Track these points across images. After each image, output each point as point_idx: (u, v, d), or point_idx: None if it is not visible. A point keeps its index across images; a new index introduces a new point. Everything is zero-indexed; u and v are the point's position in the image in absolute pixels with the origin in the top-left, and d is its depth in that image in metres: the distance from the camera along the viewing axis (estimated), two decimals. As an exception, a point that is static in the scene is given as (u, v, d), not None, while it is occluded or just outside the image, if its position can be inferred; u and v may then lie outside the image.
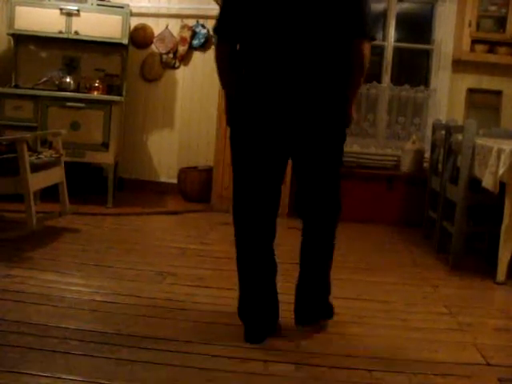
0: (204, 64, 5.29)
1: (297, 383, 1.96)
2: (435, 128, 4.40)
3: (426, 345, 2.34)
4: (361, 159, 5.22)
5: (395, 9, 5.22)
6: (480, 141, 3.55)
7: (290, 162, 2.32)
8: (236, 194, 2.31)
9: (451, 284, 3.25)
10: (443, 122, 4.43)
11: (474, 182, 3.46)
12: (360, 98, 5.22)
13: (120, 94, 4.87)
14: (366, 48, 2.15)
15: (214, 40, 5.21)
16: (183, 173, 5.14)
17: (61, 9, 4.69)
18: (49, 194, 4.19)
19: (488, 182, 3.20)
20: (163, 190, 5.38)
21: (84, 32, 4.74)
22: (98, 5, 4.76)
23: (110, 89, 4.87)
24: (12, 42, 4.97)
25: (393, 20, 5.22)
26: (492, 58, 4.95)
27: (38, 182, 3.49)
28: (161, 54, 5.27)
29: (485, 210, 3.71)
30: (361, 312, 2.66)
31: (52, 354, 2.01)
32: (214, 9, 5.00)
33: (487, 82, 5.15)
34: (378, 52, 5.41)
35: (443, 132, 4.05)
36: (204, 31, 5.20)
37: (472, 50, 4.90)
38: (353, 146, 5.31)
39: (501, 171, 3.12)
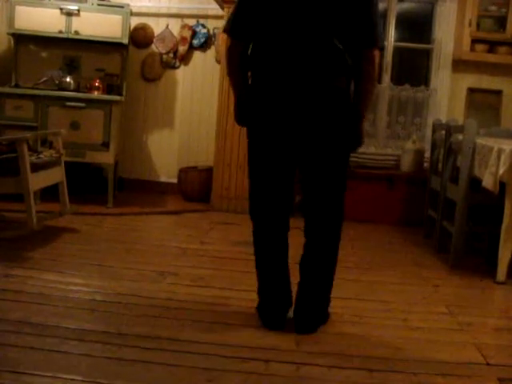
0: (204, 64, 5.29)
1: (297, 383, 1.96)
2: (435, 128, 4.40)
3: (426, 344, 2.34)
4: (361, 159, 5.21)
5: (395, 9, 5.21)
6: (480, 140, 3.55)
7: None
8: (253, 193, 2.40)
9: (451, 284, 3.25)
10: (443, 121, 4.43)
11: (474, 182, 3.47)
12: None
13: (120, 94, 4.87)
14: (376, 57, 2.21)
15: (213, 41, 5.22)
16: (183, 173, 5.15)
17: (61, 8, 4.70)
18: (49, 193, 4.19)
19: (488, 181, 3.20)
20: (163, 190, 5.38)
21: (84, 32, 4.75)
22: (98, 4, 4.77)
23: (110, 89, 4.87)
24: (12, 42, 4.97)
25: (393, 20, 5.21)
26: (492, 58, 4.95)
27: (38, 181, 3.49)
28: (161, 54, 5.27)
29: (485, 210, 3.71)
30: (361, 312, 2.66)
31: (52, 354, 2.01)
32: (214, 8, 5.01)
33: (487, 82, 5.15)
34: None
35: (443, 132, 4.04)
36: (204, 31, 5.20)
37: (472, 49, 4.89)
38: (353, 146, 5.31)
39: (501, 171, 3.12)
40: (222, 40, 4.83)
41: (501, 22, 4.91)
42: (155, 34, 5.24)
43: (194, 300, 2.65)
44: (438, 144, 4.25)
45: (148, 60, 5.28)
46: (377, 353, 2.22)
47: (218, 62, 5.04)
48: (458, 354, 2.26)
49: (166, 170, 5.43)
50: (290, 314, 2.41)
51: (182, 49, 5.21)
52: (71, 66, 5.00)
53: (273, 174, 2.33)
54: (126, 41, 4.83)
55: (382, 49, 2.28)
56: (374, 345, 2.30)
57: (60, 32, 4.73)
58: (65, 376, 1.86)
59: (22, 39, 4.92)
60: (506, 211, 3.19)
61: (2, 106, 4.53)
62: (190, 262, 3.31)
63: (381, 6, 5.28)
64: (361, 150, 5.36)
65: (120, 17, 4.76)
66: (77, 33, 4.74)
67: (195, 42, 5.21)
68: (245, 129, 2.42)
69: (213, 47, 5.24)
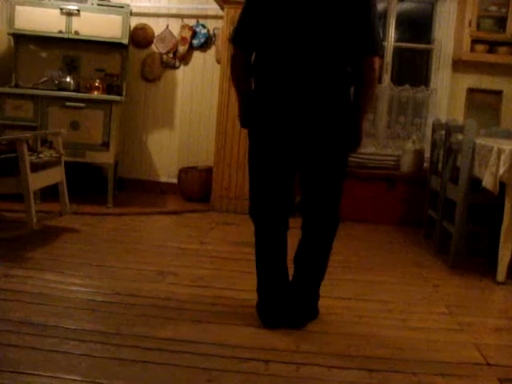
0: (204, 64, 5.29)
1: (297, 383, 1.96)
2: (435, 128, 4.40)
3: (426, 344, 2.34)
4: (361, 159, 5.22)
5: (395, 8, 5.22)
6: (480, 141, 3.55)
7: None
8: (252, 193, 2.44)
9: (451, 284, 3.25)
10: (443, 121, 4.43)
11: (474, 182, 3.47)
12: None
13: (120, 94, 4.87)
14: (377, 64, 2.27)
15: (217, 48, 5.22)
16: (183, 173, 5.15)
17: (61, 8, 4.69)
18: (49, 193, 4.19)
19: (488, 181, 3.20)
20: (163, 190, 5.38)
21: (84, 32, 4.74)
22: (98, 4, 4.77)
23: (110, 89, 4.87)
24: (12, 42, 4.97)
25: (393, 20, 5.21)
26: (492, 58, 4.95)
27: (38, 181, 3.49)
28: (161, 54, 5.27)
29: (485, 210, 3.71)
30: (361, 312, 2.67)
31: (52, 354, 2.01)
32: (214, 9, 5.02)
33: (487, 82, 5.15)
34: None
35: (443, 132, 4.05)
36: (204, 31, 5.20)
37: (472, 49, 4.89)
38: (353, 146, 5.31)
39: (501, 171, 3.12)
40: (221, 41, 4.83)
41: (501, 22, 4.91)
42: (155, 34, 5.24)
43: (194, 300, 2.65)
44: (438, 144, 4.25)
45: (148, 60, 5.27)
46: (377, 353, 2.22)
47: (218, 62, 5.04)
48: (458, 354, 2.26)
49: (166, 170, 5.43)
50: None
51: (182, 49, 5.21)
52: (71, 66, 5.00)
53: (274, 174, 2.37)
54: (125, 41, 4.83)
55: (382, 56, 2.32)
56: (374, 345, 2.30)
57: (60, 32, 4.73)
58: (65, 376, 1.86)
59: (22, 39, 4.92)
60: (506, 211, 3.19)
61: (1, 106, 4.53)
62: (190, 261, 3.31)
63: (381, 6, 5.30)
64: (361, 150, 5.39)
65: (120, 17, 4.76)
66: (77, 33, 4.74)
67: (195, 42, 5.21)
68: (245, 129, 2.46)
69: (213, 47, 5.25)
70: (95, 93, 4.73)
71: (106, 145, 4.61)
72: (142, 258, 3.28)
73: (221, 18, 4.88)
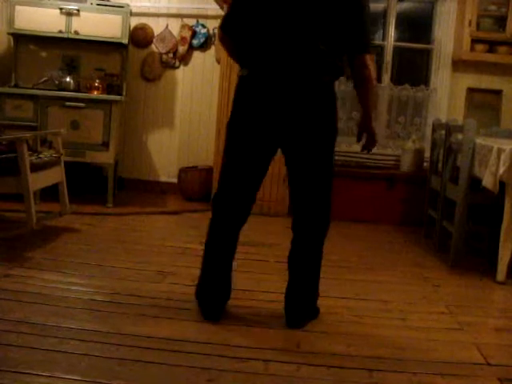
0: (204, 64, 5.29)
1: (297, 383, 1.96)
2: (435, 127, 4.40)
3: (426, 344, 2.34)
4: (361, 159, 5.22)
5: (395, 8, 5.22)
6: (480, 140, 3.55)
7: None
8: (223, 183, 2.45)
9: (451, 283, 3.25)
10: (443, 121, 4.43)
11: (474, 182, 3.47)
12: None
13: (120, 94, 4.87)
14: (369, 60, 2.30)
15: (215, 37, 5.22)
16: (183, 172, 5.15)
17: (61, 8, 4.69)
18: (49, 193, 4.19)
19: (488, 181, 3.20)
20: (163, 190, 5.38)
21: (84, 32, 4.74)
22: (98, 4, 4.76)
23: (109, 88, 4.87)
24: (12, 42, 4.97)
25: (393, 19, 5.21)
26: (492, 58, 4.95)
27: (38, 181, 3.49)
28: (161, 54, 5.27)
29: (485, 210, 3.71)
30: (361, 312, 2.67)
31: (52, 354, 2.01)
32: (214, 8, 5.01)
33: (487, 82, 5.15)
34: (378, 52, 5.41)
35: (443, 131, 4.05)
36: (204, 31, 5.19)
37: (472, 49, 4.89)
38: (353, 146, 5.31)
39: (501, 171, 3.12)
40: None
41: (501, 22, 4.91)
42: (155, 34, 5.24)
43: (194, 300, 2.64)
44: (438, 144, 4.25)
45: (148, 60, 5.27)
46: (377, 353, 2.22)
47: (218, 61, 5.04)
48: (458, 354, 2.26)
49: (166, 170, 5.43)
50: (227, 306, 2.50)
51: (182, 49, 5.21)
52: (71, 66, 4.99)
53: (249, 166, 2.38)
54: (125, 41, 4.83)
55: (372, 52, 2.35)
56: (374, 345, 2.30)
57: (60, 32, 4.72)
58: (64, 376, 1.86)
59: (22, 39, 4.92)
60: (506, 211, 3.19)
61: (1, 106, 4.53)
62: (190, 261, 3.30)
63: (381, 5, 5.30)
64: (361, 149, 5.38)
65: (120, 17, 4.76)
66: (76, 33, 4.74)
67: (195, 42, 5.21)
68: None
69: (213, 47, 5.24)
70: (95, 93, 4.72)
71: (105, 145, 4.61)
72: (142, 258, 3.28)
73: (221, 17, 4.86)
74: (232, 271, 2.50)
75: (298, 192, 2.42)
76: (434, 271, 3.46)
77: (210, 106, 5.24)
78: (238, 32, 2.37)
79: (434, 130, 4.43)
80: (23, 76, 4.94)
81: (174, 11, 5.23)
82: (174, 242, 3.72)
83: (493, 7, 4.89)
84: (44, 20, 4.69)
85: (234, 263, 2.51)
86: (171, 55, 5.26)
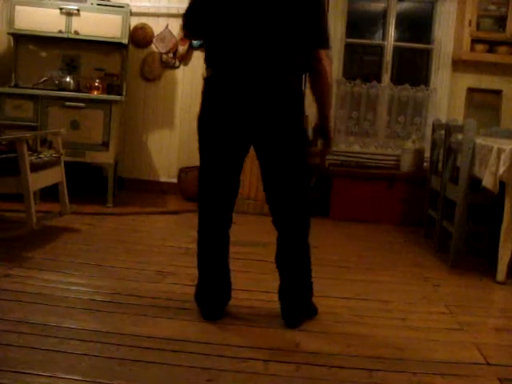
0: (204, 64, 5.27)
1: (297, 383, 1.96)
2: (435, 127, 4.40)
3: (426, 344, 2.34)
4: (361, 159, 5.22)
5: (395, 8, 5.22)
6: (480, 140, 3.55)
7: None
8: (201, 184, 2.52)
9: (451, 283, 3.25)
10: (443, 121, 4.43)
11: (474, 182, 3.47)
12: (360, 97, 5.23)
13: (120, 94, 4.87)
14: (324, 55, 2.30)
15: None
16: (183, 172, 5.14)
17: (61, 8, 4.69)
18: (49, 193, 4.19)
19: (488, 181, 3.20)
20: (163, 190, 5.38)
21: (84, 32, 4.74)
22: (98, 4, 4.76)
23: (109, 88, 4.86)
24: (12, 42, 4.97)
25: (393, 19, 5.22)
26: (492, 58, 4.95)
27: (38, 181, 3.49)
28: (161, 54, 5.27)
29: (485, 210, 3.71)
30: (361, 312, 2.67)
31: (52, 354, 2.01)
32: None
33: (487, 82, 5.15)
34: (378, 52, 5.42)
35: (443, 131, 4.04)
36: (204, 31, 5.19)
37: (472, 49, 4.90)
38: (353, 146, 5.31)
39: (501, 171, 3.12)
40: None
41: (500, 22, 4.91)
42: (155, 34, 5.24)
43: (194, 300, 2.64)
44: (438, 144, 4.25)
45: (148, 60, 5.27)
46: (376, 353, 2.22)
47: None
48: (458, 354, 2.26)
49: (166, 170, 5.42)
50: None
51: (182, 49, 5.21)
52: (71, 66, 4.99)
53: (223, 165, 2.40)
54: (125, 41, 4.83)
55: (329, 48, 2.38)
56: (374, 345, 2.30)
57: (60, 32, 4.72)
58: (64, 376, 1.86)
59: (22, 39, 4.92)
60: (506, 211, 3.19)
61: (1, 106, 4.53)
62: (190, 261, 3.28)
63: (381, 5, 5.31)
64: (361, 149, 5.41)
65: (120, 17, 4.76)
66: (76, 33, 4.73)
67: (195, 41, 5.20)
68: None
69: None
70: (95, 93, 4.72)
71: (105, 145, 4.61)
72: (141, 258, 3.28)
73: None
74: (230, 271, 2.50)
75: (271, 189, 2.42)
76: (434, 271, 3.46)
77: (210, 105, 5.23)
78: (199, 30, 2.36)
79: (433, 130, 4.43)
80: (23, 76, 4.94)
81: (173, 11, 5.23)
82: (173, 242, 3.72)
83: (493, 7, 4.90)
84: (44, 20, 4.69)
85: None
86: (171, 55, 5.26)
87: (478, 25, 4.86)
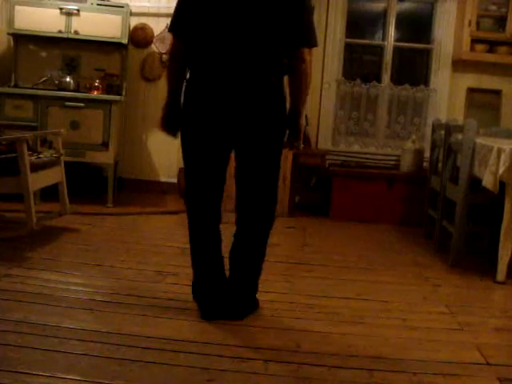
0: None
1: (297, 383, 1.96)
2: (435, 127, 4.39)
3: (426, 344, 2.34)
4: (361, 159, 5.22)
5: (395, 8, 5.22)
6: (480, 140, 3.55)
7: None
8: (187, 183, 2.52)
9: (451, 283, 3.25)
10: (443, 121, 4.43)
11: (474, 182, 3.47)
12: (360, 97, 5.23)
13: (120, 94, 4.87)
14: (307, 55, 2.32)
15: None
16: (183, 172, 5.13)
17: (61, 8, 4.69)
18: (49, 193, 4.19)
19: (488, 181, 3.20)
20: (163, 190, 5.38)
21: (84, 32, 4.74)
22: (98, 4, 4.76)
23: (109, 88, 4.87)
24: (12, 42, 4.97)
25: (393, 19, 5.21)
26: (492, 58, 4.95)
27: (37, 181, 3.49)
28: (161, 54, 5.26)
29: (485, 210, 3.70)
30: (361, 312, 2.66)
31: (52, 354, 2.01)
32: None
33: (487, 82, 5.15)
34: (378, 52, 5.42)
35: (443, 131, 4.04)
36: (204, 31, 5.19)
37: (472, 49, 4.90)
38: (353, 146, 5.31)
39: (501, 171, 3.12)
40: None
41: (501, 22, 4.91)
42: (155, 34, 5.24)
43: (193, 300, 2.64)
44: (438, 144, 4.25)
45: (148, 60, 5.27)
46: (377, 353, 2.22)
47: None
48: (457, 354, 2.26)
49: (166, 170, 5.42)
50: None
51: (182, 49, 5.20)
52: (71, 66, 5.00)
53: (207, 163, 2.41)
54: (125, 41, 4.83)
55: (315, 46, 2.39)
56: (374, 345, 2.30)
57: (60, 32, 4.72)
58: (64, 376, 1.86)
59: (22, 39, 4.92)
60: (506, 211, 3.19)
61: (1, 106, 4.53)
62: (190, 261, 3.30)
63: (381, 5, 5.31)
64: (361, 149, 5.41)
65: (120, 17, 4.76)
66: (76, 33, 4.74)
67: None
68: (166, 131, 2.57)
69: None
70: (95, 93, 4.72)
71: (105, 145, 4.61)
72: (141, 258, 3.28)
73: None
74: (224, 269, 2.51)
75: (244, 188, 2.44)
76: (434, 271, 3.46)
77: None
78: (188, 33, 2.32)
79: (433, 130, 4.43)
80: (23, 76, 4.94)
81: (173, 11, 5.22)
82: (173, 242, 3.72)
83: (493, 7, 4.90)
84: (44, 20, 4.69)
85: None
86: (171, 55, 5.25)
87: (478, 25, 4.86)
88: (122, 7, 4.79)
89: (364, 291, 2.97)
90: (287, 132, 2.45)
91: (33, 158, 3.52)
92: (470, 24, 4.82)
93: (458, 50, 5.00)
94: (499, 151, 3.16)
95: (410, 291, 3.05)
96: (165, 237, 3.91)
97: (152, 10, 5.25)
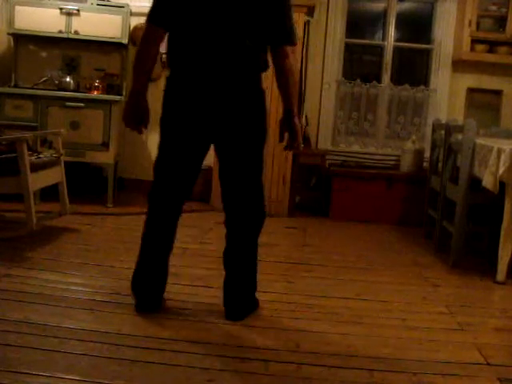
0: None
1: (297, 383, 1.96)
2: (435, 128, 4.40)
3: (426, 344, 2.34)
4: (361, 159, 5.22)
5: (395, 8, 5.22)
6: (480, 140, 3.55)
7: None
8: (157, 175, 2.52)
9: (451, 283, 3.25)
10: (443, 121, 4.43)
11: (474, 182, 3.47)
12: (360, 97, 5.23)
13: (120, 94, 4.87)
14: (290, 51, 2.31)
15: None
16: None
17: (61, 8, 4.69)
18: (49, 193, 4.19)
19: (488, 181, 3.20)
20: (163, 190, 5.37)
21: (84, 32, 4.74)
22: (98, 4, 4.76)
23: (109, 88, 4.87)
24: (12, 42, 4.97)
25: (393, 19, 5.21)
26: (492, 58, 4.95)
27: (37, 181, 3.49)
28: (160, 54, 5.26)
29: (485, 210, 3.71)
30: (361, 312, 2.66)
31: (52, 354, 2.01)
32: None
33: (487, 82, 5.15)
34: (378, 52, 5.42)
35: (443, 132, 4.05)
36: (204, 31, 5.19)
37: (472, 49, 4.90)
38: (353, 146, 5.32)
39: (501, 171, 3.12)
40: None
41: (501, 22, 4.91)
42: (155, 34, 5.23)
43: (194, 300, 2.65)
44: (438, 144, 4.25)
45: (148, 60, 5.27)
46: (377, 353, 2.22)
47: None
48: (457, 354, 2.26)
49: (166, 170, 5.41)
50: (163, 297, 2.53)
51: (182, 49, 5.20)
52: (71, 66, 5.00)
53: (182, 160, 2.43)
54: (125, 41, 4.83)
55: (294, 44, 2.37)
56: (374, 345, 2.30)
57: (60, 32, 4.72)
58: (64, 376, 1.86)
59: (22, 39, 4.92)
60: (506, 211, 3.19)
61: (1, 106, 4.53)
62: (190, 261, 3.31)
63: (381, 5, 5.30)
64: (361, 149, 5.41)
65: (120, 17, 4.76)
66: (76, 33, 4.74)
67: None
68: (127, 126, 2.59)
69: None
70: (95, 93, 4.72)
71: (105, 145, 4.61)
72: (141, 258, 3.27)
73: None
74: (169, 265, 2.51)
75: (229, 187, 2.43)
76: (434, 271, 3.46)
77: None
78: (168, 22, 2.31)
79: (433, 130, 4.43)
80: (23, 76, 4.94)
81: (173, 11, 5.23)
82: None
83: (493, 7, 4.90)
84: (44, 20, 4.69)
85: None
86: (171, 55, 5.25)
87: (478, 25, 4.86)
88: (122, 7, 4.80)
89: (364, 291, 2.98)
90: (286, 134, 2.43)
91: (33, 158, 3.52)
92: (470, 24, 4.82)
93: (458, 50, 5.00)
94: (499, 151, 3.16)
95: (409, 291, 3.05)
96: (165, 237, 3.91)
97: (152, 10, 5.24)
